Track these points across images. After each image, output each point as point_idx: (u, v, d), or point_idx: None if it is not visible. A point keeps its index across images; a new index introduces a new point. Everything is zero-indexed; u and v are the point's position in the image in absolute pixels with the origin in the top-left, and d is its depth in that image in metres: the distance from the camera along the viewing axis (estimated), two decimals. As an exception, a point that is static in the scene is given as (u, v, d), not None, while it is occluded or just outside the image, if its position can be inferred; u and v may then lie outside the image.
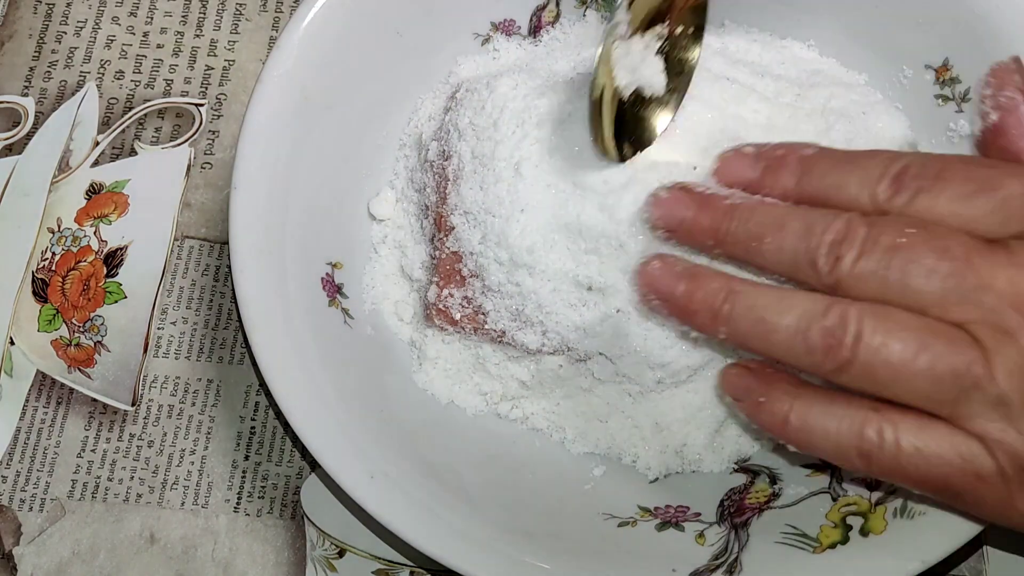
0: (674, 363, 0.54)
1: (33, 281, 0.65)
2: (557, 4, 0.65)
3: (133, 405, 0.63)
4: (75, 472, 0.62)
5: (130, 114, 0.69)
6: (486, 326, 0.57)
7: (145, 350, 0.63)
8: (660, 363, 0.55)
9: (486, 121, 0.57)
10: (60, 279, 0.65)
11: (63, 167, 0.68)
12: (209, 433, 0.62)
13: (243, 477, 0.62)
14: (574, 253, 0.54)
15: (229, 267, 0.62)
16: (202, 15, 0.72)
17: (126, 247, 0.65)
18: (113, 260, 0.65)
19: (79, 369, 0.63)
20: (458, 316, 0.56)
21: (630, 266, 0.52)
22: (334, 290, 0.60)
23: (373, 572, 0.60)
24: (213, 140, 0.68)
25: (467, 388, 0.59)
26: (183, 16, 0.72)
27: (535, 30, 0.66)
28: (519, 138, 0.55)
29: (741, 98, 0.57)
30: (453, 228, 0.56)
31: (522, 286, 0.55)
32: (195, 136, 0.68)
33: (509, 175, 0.55)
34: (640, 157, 0.53)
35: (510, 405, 0.59)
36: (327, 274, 0.60)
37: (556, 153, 0.55)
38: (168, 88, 0.70)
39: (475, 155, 0.56)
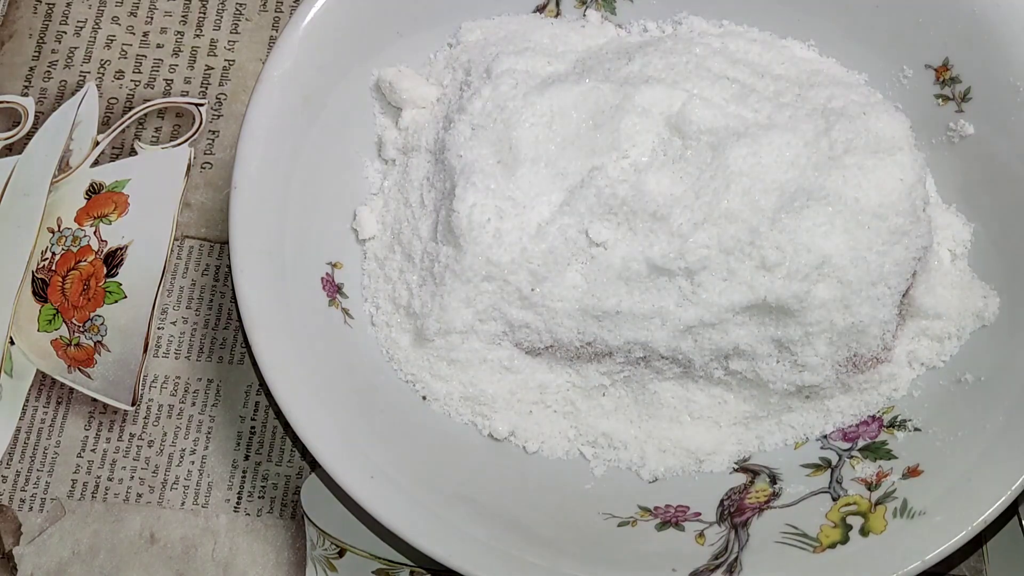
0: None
1: (33, 281, 0.65)
2: (557, 4, 0.65)
3: (133, 405, 0.63)
4: (75, 472, 0.62)
5: (130, 114, 0.69)
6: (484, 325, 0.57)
7: (145, 350, 0.63)
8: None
9: (486, 120, 0.57)
10: (60, 279, 0.65)
11: (63, 167, 0.68)
12: (209, 433, 0.62)
13: (243, 477, 0.62)
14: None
15: (229, 267, 0.62)
16: (202, 15, 0.72)
17: (126, 247, 0.65)
18: (113, 260, 0.65)
19: (79, 369, 0.63)
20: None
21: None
22: (334, 290, 0.60)
23: (373, 572, 0.60)
24: (213, 140, 0.68)
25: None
26: (183, 16, 0.72)
27: (535, 30, 0.66)
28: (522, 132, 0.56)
29: (741, 97, 0.57)
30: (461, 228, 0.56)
31: (533, 273, 0.55)
32: (195, 136, 0.68)
33: (517, 168, 0.55)
34: None
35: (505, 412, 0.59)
36: (327, 274, 0.60)
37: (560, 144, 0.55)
38: (168, 88, 0.70)
39: (480, 152, 0.57)
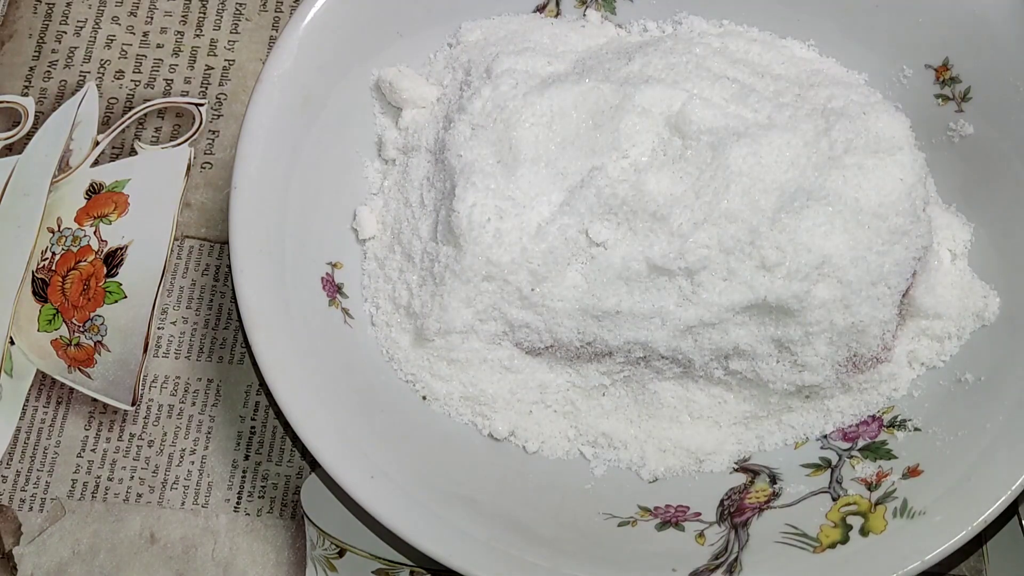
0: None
1: (33, 281, 0.65)
2: (557, 4, 0.65)
3: (133, 405, 0.63)
4: (75, 472, 0.62)
5: (130, 114, 0.69)
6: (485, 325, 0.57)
7: (145, 350, 0.63)
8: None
9: (486, 120, 0.57)
10: (60, 279, 0.65)
11: (63, 167, 0.68)
12: (209, 433, 0.62)
13: (243, 477, 0.62)
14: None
15: (229, 267, 0.62)
16: (202, 15, 0.72)
17: (126, 247, 0.65)
18: (113, 260, 0.65)
19: (79, 369, 0.63)
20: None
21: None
22: (334, 290, 0.60)
23: (373, 572, 0.60)
24: (213, 140, 0.68)
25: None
26: (183, 16, 0.72)
27: (535, 30, 0.66)
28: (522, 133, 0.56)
29: (741, 97, 0.57)
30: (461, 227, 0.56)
31: (533, 274, 0.55)
32: (195, 136, 0.68)
33: (517, 168, 0.55)
34: None
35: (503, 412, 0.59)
36: (327, 274, 0.60)
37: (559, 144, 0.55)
38: (168, 88, 0.70)
39: (480, 152, 0.57)
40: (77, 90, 0.70)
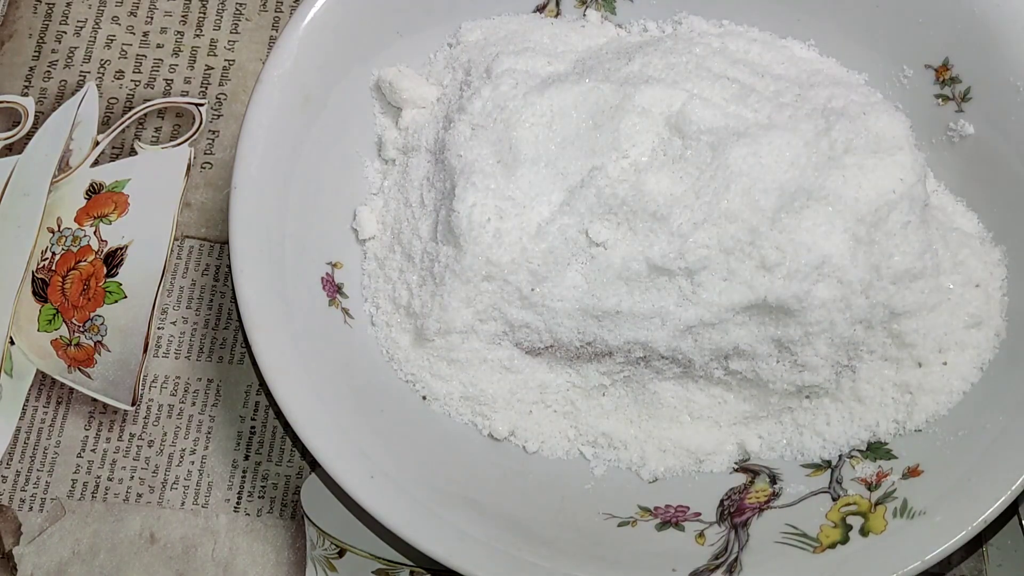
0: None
1: (33, 281, 0.65)
2: (557, 4, 0.65)
3: (133, 405, 0.63)
4: (75, 472, 0.62)
5: (130, 114, 0.69)
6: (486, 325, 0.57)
7: (145, 350, 0.63)
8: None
9: (486, 120, 0.57)
10: (60, 279, 0.65)
11: (63, 167, 0.68)
12: (209, 433, 0.62)
13: (243, 477, 0.62)
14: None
15: (229, 267, 0.62)
16: (202, 15, 0.72)
17: (126, 247, 0.65)
18: (113, 260, 0.65)
19: (79, 369, 0.63)
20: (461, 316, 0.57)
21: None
22: (334, 290, 0.60)
23: (373, 572, 0.60)
24: (213, 140, 0.68)
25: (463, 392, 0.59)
26: (183, 16, 0.72)
27: (535, 30, 0.66)
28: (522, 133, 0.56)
29: (741, 97, 0.57)
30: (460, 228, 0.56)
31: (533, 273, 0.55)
32: (195, 136, 0.68)
33: (517, 168, 0.55)
34: None
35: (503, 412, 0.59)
36: (327, 274, 0.60)
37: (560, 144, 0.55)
38: (168, 88, 0.70)
39: (480, 152, 0.57)
40: (77, 90, 0.70)
